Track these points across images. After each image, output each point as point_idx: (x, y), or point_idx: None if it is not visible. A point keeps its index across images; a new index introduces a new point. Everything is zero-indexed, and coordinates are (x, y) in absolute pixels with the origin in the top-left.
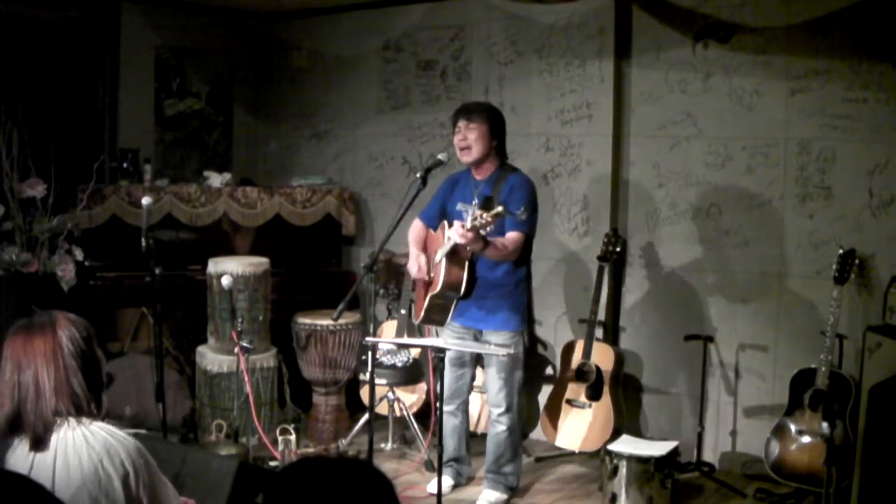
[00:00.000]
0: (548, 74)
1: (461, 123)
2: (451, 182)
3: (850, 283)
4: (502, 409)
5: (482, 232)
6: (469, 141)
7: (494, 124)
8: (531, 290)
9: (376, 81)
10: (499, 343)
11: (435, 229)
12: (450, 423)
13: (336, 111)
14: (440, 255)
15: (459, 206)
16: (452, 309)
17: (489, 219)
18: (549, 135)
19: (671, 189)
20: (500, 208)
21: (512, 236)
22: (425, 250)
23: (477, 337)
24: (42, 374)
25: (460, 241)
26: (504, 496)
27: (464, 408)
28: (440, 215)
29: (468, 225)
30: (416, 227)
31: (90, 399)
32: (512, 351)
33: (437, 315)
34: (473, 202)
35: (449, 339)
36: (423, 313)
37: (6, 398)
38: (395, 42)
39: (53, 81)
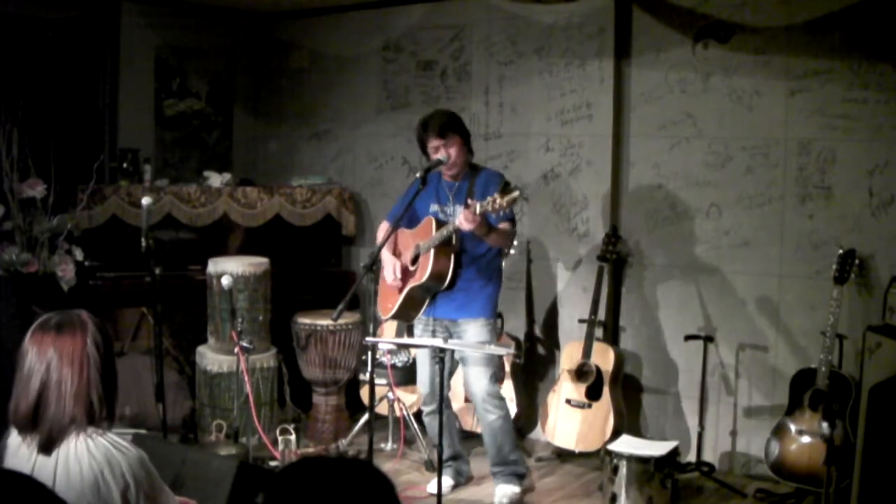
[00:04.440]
0: (548, 74)
1: (437, 143)
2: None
3: (850, 283)
4: (487, 397)
5: (494, 216)
6: (452, 157)
7: (464, 132)
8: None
9: (376, 81)
10: (475, 330)
11: (411, 227)
12: (435, 423)
13: (336, 111)
14: (428, 245)
15: (434, 208)
16: (426, 304)
17: (504, 203)
18: (549, 135)
19: (671, 189)
20: (516, 192)
21: (504, 225)
22: (395, 253)
23: (449, 328)
24: (66, 380)
25: (469, 226)
26: (517, 488)
27: (447, 403)
28: (412, 219)
29: (478, 210)
30: (383, 229)
31: (104, 408)
32: (512, 350)
33: (410, 310)
34: (450, 202)
35: (420, 333)
36: (396, 308)
37: (29, 395)
38: (395, 42)
39: (53, 81)
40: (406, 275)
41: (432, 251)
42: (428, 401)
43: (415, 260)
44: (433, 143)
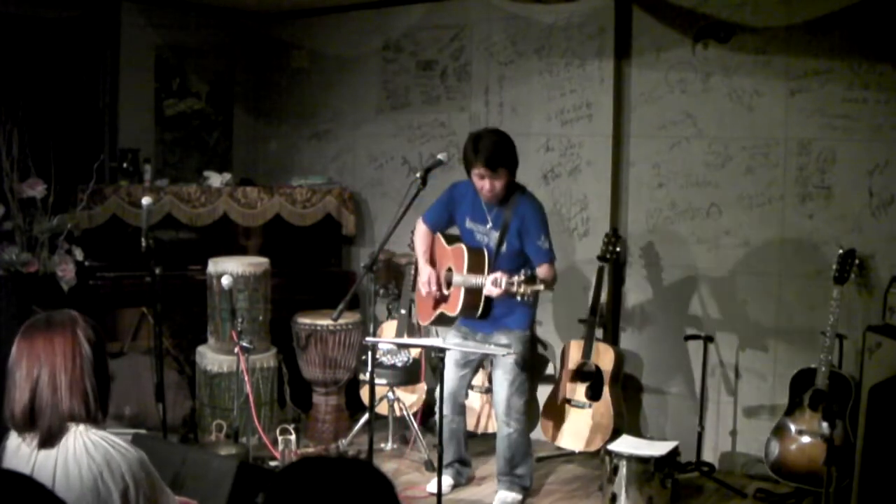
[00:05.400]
0: (548, 74)
1: (483, 171)
2: (461, 193)
3: (850, 283)
4: (510, 411)
5: (519, 298)
6: (497, 190)
7: (513, 164)
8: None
9: (376, 81)
10: (508, 342)
11: (444, 231)
12: (447, 427)
13: (336, 111)
14: (459, 283)
15: (469, 225)
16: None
17: (528, 292)
18: (549, 135)
19: (671, 189)
20: (540, 287)
21: (544, 269)
22: (432, 261)
23: (484, 339)
24: (60, 371)
25: (492, 295)
26: (519, 496)
27: (460, 410)
28: (447, 223)
29: (503, 286)
30: (421, 233)
31: (98, 404)
32: (513, 350)
33: (444, 322)
34: (487, 225)
35: (452, 337)
36: (431, 320)
37: (24, 392)
38: (395, 42)
39: (53, 81)
40: (440, 297)
41: (462, 289)
42: (446, 407)
43: (448, 284)
44: (479, 170)
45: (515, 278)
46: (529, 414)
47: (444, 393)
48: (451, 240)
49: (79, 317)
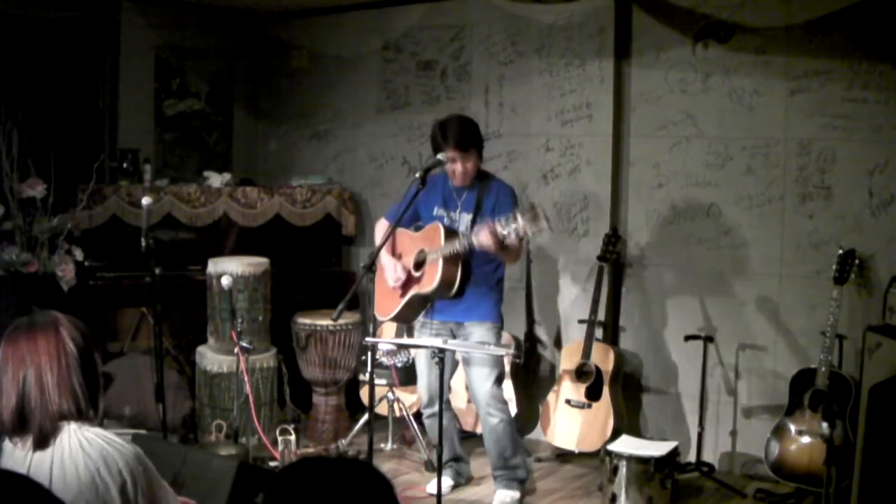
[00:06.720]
0: (548, 74)
1: (454, 154)
2: (429, 185)
3: (850, 283)
4: (491, 400)
5: (509, 241)
6: (468, 171)
7: (480, 144)
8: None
9: (376, 81)
10: (481, 333)
11: (410, 227)
12: (436, 425)
13: (336, 111)
14: (437, 256)
15: (438, 212)
16: (426, 308)
17: (530, 232)
18: (549, 135)
19: (671, 189)
20: (545, 224)
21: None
22: (394, 254)
23: (454, 331)
24: (45, 371)
25: (487, 246)
26: (517, 493)
27: (447, 406)
28: (411, 219)
29: (499, 231)
30: (383, 228)
31: (89, 401)
32: (513, 350)
33: (410, 314)
34: (458, 209)
35: (425, 337)
36: (397, 310)
37: (11, 396)
38: (395, 42)
39: (53, 81)
40: (409, 280)
41: (441, 260)
42: (428, 405)
43: (419, 265)
44: (451, 153)
45: (513, 225)
46: (526, 413)
47: (442, 390)
48: (417, 230)
49: (62, 317)
